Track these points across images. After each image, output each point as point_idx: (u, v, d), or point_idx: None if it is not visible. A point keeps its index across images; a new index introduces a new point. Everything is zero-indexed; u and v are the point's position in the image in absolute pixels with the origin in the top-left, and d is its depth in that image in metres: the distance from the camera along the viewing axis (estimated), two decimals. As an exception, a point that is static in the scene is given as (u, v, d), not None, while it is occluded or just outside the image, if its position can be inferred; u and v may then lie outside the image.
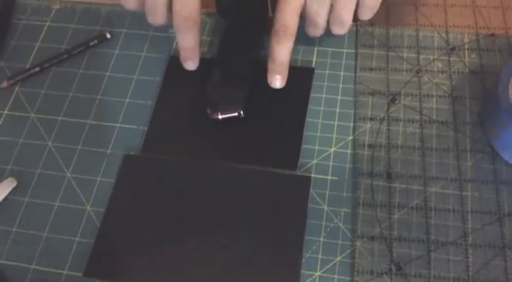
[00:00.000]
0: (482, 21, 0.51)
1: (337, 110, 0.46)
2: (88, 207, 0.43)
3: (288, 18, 0.43)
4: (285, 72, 0.46)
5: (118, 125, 0.47)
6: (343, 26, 0.46)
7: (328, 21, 0.46)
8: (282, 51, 0.45)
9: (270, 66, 0.45)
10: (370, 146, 0.44)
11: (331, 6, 0.45)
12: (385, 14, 0.51)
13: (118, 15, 0.54)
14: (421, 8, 0.52)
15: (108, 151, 0.45)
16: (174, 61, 0.50)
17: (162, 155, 0.44)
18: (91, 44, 0.52)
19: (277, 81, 0.46)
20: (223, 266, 0.39)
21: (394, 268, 0.38)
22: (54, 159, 0.45)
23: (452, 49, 0.49)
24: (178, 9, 0.45)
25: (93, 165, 0.45)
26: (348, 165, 0.43)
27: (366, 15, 0.47)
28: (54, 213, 0.43)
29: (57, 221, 0.42)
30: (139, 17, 0.52)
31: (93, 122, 0.47)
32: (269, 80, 0.46)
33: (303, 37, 0.47)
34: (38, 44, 0.52)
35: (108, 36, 0.52)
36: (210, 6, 0.53)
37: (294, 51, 0.47)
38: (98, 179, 0.44)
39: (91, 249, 0.40)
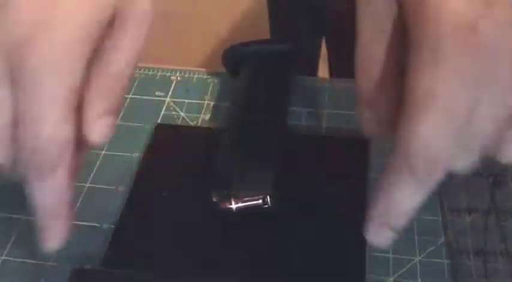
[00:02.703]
0: None
1: (413, 197, 0.30)
2: None
3: (441, 146, 0.21)
4: (399, 228, 0.24)
5: (69, 221, 0.30)
6: None
7: None
8: (410, 199, 0.23)
9: (376, 215, 0.24)
10: (478, 253, 0.27)
11: None
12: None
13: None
14: None
15: (50, 263, 0.28)
16: (162, 131, 0.34)
17: (137, 269, 0.27)
18: None
19: (383, 241, 0.24)
20: None
21: None
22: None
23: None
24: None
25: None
26: (447, 285, 0.26)
27: None
28: None
29: None
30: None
31: (28, 218, 0.30)
32: (368, 237, 0.24)
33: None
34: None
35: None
36: (214, 65, 0.39)
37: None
38: (27, 312, 0.26)
39: None
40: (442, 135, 0.21)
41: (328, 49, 0.56)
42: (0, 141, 0.23)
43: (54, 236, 0.24)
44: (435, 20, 0.21)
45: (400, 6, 0.23)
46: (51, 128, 0.22)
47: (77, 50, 0.23)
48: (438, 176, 0.22)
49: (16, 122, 0.23)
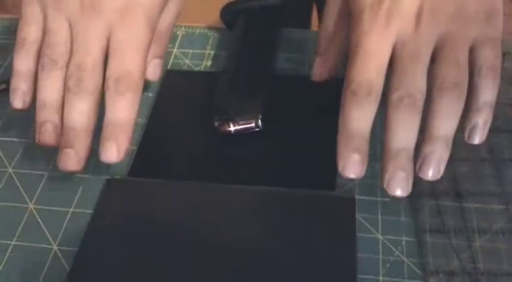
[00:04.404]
0: None
1: (377, 121, 0.37)
2: (55, 247, 0.31)
3: (371, 75, 0.31)
4: (365, 150, 0.30)
5: (100, 145, 0.37)
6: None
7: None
8: (361, 116, 0.30)
9: (342, 138, 0.31)
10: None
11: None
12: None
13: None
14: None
15: (86, 176, 0.35)
16: (171, 75, 0.41)
17: (155, 179, 0.34)
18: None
19: (354, 164, 0.30)
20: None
21: (489, 313, 0.27)
22: (14, 187, 0.35)
23: None
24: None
25: (64, 193, 0.34)
26: (401, 184, 0.33)
27: None
28: (8, 255, 0.31)
29: (12, 265, 0.31)
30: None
31: (68, 144, 0.37)
32: (340, 165, 0.30)
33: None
34: None
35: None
36: (214, 21, 0.45)
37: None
38: (70, 210, 0.33)
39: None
40: (367, 69, 0.31)
41: (316, 5, 0.62)
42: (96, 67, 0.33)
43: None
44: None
45: None
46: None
47: (155, 14, 0.35)
48: (374, 96, 0.30)
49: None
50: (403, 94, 0.30)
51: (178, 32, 0.45)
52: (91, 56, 0.33)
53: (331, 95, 0.38)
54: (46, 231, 0.32)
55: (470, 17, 0.31)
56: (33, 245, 0.31)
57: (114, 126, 0.32)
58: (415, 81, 0.30)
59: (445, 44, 0.31)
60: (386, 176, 0.29)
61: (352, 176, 0.30)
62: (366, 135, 0.30)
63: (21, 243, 0.32)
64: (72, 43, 0.33)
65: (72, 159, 0.32)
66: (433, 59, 0.31)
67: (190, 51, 0.43)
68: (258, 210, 0.32)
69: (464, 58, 0.31)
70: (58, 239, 0.32)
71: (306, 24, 0.64)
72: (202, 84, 0.40)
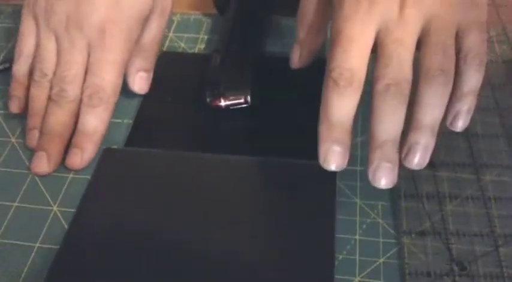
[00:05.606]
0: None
1: (360, 100, 0.39)
2: (55, 208, 0.34)
3: (353, 62, 0.30)
4: (347, 141, 0.30)
5: (98, 119, 0.39)
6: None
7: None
8: (343, 106, 0.30)
9: (323, 128, 0.30)
10: (403, 131, 0.36)
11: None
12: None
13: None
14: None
15: (85, 146, 0.37)
16: (167, 56, 0.43)
17: (151, 149, 0.36)
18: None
19: (335, 156, 0.30)
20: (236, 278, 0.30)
21: (456, 268, 0.29)
22: (17, 156, 0.37)
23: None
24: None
25: (64, 161, 0.36)
26: (379, 155, 0.35)
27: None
28: (11, 215, 0.33)
29: (14, 224, 0.33)
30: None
31: (68, 117, 0.39)
32: (321, 157, 0.30)
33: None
34: None
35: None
36: (208, 8, 0.48)
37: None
38: (70, 176, 0.35)
39: (54, 257, 0.31)
40: (349, 55, 0.30)
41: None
42: (76, 80, 0.36)
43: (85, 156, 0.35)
44: None
45: None
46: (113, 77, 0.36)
47: (133, 31, 0.37)
48: (356, 85, 0.30)
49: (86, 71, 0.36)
50: (389, 82, 0.29)
51: (174, 18, 0.47)
52: (72, 70, 0.36)
53: (317, 75, 0.41)
54: (47, 195, 0.34)
55: (455, 0, 0.31)
56: (35, 206, 0.34)
57: (83, 136, 0.35)
58: (401, 68, 0.29)
59: (430, 29, 0.30)
60: (372, 167, 0.29)
61: (333, 168, 0.30)
62: (347, 126, 0.30)
63: (23, 205, 0.34)
64: (58, 57, 0.36)
65: (43, 162, 0.35)
66: (418, 45, 0.31)
67: (185, 35, 0.46)
68: (246, 177, 0.34)
69: (450, 44, 0.30)
70: (58, 202, 0.34)
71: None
72: (196, 65, 0.43)
